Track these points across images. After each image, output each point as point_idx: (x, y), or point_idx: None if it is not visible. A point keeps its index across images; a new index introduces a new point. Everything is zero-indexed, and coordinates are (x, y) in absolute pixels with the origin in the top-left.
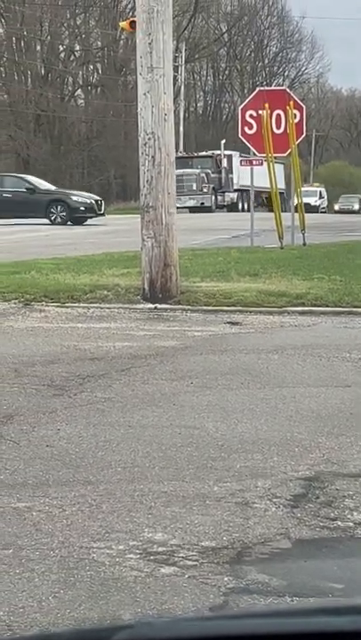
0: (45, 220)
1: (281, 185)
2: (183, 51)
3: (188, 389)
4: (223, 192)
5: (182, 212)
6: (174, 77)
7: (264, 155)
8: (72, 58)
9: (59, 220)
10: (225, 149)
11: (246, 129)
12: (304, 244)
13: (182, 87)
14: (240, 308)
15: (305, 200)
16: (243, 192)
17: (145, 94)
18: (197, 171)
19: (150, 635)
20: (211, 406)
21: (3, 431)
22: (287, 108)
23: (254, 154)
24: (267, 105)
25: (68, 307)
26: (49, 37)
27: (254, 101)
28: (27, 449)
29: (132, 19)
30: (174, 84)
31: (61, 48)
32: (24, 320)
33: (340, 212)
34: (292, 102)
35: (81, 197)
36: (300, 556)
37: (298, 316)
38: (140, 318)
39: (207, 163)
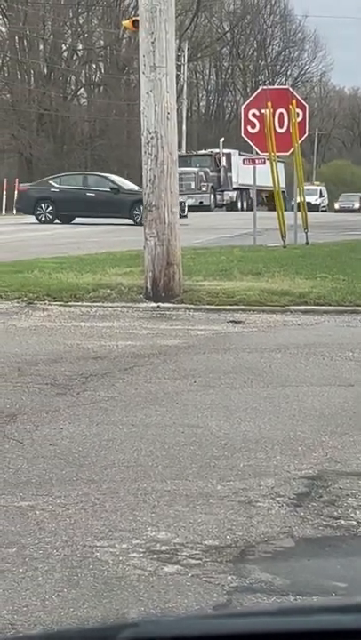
0: (129, 221)
1: (282, 184)
2: (186, 50)
3: (192, 388)
4: (222, 191)
5: None
6: (177, 76)
7: (267, 154)
8: (75, 57)
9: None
10: (224, 148)
11: (249, 128)
12: (307, 243)
13: (185, 86)
14: (243, 306)
15: (309, 199)
16: (242, 191)
17: (148, 93)
18: (196, 169)
19: (155, 633)
20: (214, 405)
21: (6, 430)
22: (290, 106)
23: (257, 153)
24: (269, 104)
25: (70, 306)
26: (52, 36)
27: (257, 100)
28: (30, 448)
29: (134, 18)
30: (177, 83)
31: (64, 47)
32: (27, 319)
33: (341, 210)
34: (294, 101)
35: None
36: (303, 554)
37: (301, 314)
38: (142, 317)
39: (206, 161)
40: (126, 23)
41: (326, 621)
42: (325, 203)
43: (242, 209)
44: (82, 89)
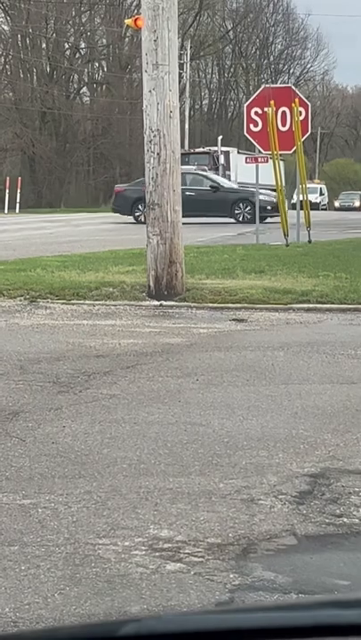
0: (231, 220)
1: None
2: (188, 48)
3: (194, 386)
4: None
5: None
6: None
7: (269, 152)
8: (77, 55)
9: (246, 218)
10: (222, 145)
11: (252, 126)
12: (309, 242)
13: (187, 85)
14: (246, 305)
15: (307, 197)
16: None
17: (150, 91)
18: (193, 167)
19: (158, 628)
20: (216, 403)
21: (8, 428)
22: (292, 105)
23: (260, 151)
24: (272, 102)
25: (73, 304)
26: (54, 35)
27: (259, 99)
28: (32, 446)
29: (137, 16)
30: (179, 82)
31: (67, 45)
32: (30, 317)
33: (341, 208)
34: (297, 100)
35: (267, 196)
36: (305, 552)
37: (303, 313)
38: (145, 315)
39: (204, 159)
40: (129, 22)
41: (332, 616)
42: (326, 201)
43: None
44: (84, 87)
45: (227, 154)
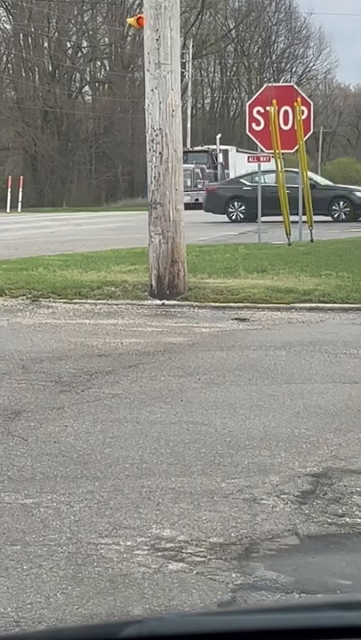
0: (328, 218)
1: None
2: (190, 47)
3: (196, 386)
4: None
5: None
6: (181, 74)
7: (272, 151)
8: (79, 54)
9: (342, 216)
10: (221, 144)
11: (254, 125)
12: (311, 241)
13: (190, 84)
14: (248, 304)
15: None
16: None
17: (152, 90)
18: (192, 166)
19: (159, 630)
20: (218, 402)
21: (10, 427)
22: (295, 104)
23: (262, 150)
24: (274, 101)
25: (75, 303)
26: (56, 34)
27: (262, 98)
28: (34, 445)
29: (139, 15)
30: (182, 81)
31: (69, 44)
32: (32, 316)
33: None
34: (299, 99)
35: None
36: (308, 552)
37: (306, 312)
38: (147, 314)
39: (202, 158)
40: (131, 20)
41: (331, 618)
42: None
43: None
44: (86, 86)
45: (225, 152)
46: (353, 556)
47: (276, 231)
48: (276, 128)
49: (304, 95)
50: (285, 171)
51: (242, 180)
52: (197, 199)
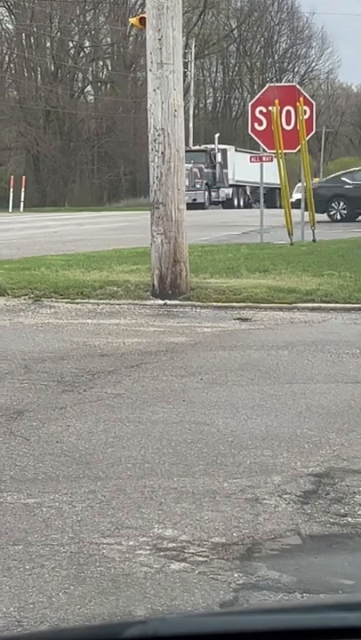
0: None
1: (278, 180)
2: (193, 47)
3: (198, 385)
4: (217, 188)
5: None
6: (184, 74)
7: (274, 151)
8: (82, 54)
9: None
10: (219, 143)
11: (256, 125)
12: (314, 241)
13: (192, 83)
14: (250, 304)
15: (303, 196)
16: (238, 188)
17: (155, 90)
18: (190, 166)
19: (162, 631)
20: (220, 402)
21: (13, 427)
22: (297, 104)
23: (264, 150)
24: (277, 101)
25: (77, 303)
26: (59, 34)
27: (264, 98)
28: (37, 445)
29: (141, 15)
30: (184, 81)
31: (71, 44)
32: (34, 316)
33: None
34: (301, 98)
35: None
36: (310, 552)
37: (308, 312)
38: (149, 314)
39: (200, 157)
40: (133, 20)
41: (333, 619)
42: None
43: (238, 206)
44: (89, 86)
45: (224, 152)
46: (355, 556)
47: (279, 231)
48: (278, 128)
49: (306, 95)
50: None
51: (343, 178)
52: (195, 199)
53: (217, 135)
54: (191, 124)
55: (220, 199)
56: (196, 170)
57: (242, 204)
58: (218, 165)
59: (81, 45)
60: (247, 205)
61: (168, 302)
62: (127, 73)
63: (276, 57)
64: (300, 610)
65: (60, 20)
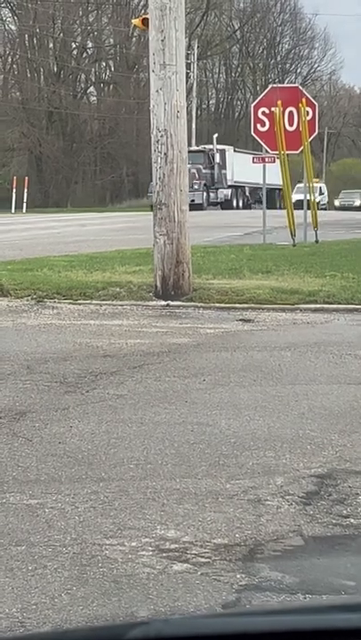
0: None
1: (278, 182)
2: (195, 48)
3: (201, 386)
4: (216, 189)
5: None
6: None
7: (276, 152)
8: (84, 55)
9: None
10: (218, 144)
11: (259, 126)
12: (316, 242)
13: (195, 84)
14: (252, 305)
15: (303, 197)
16: (237, 188)
17: (157, 91)
18: (188, 166)
19: (165, 632)
20: (223, 403)
21: (15, 428)
22: (299, 105)
23: (267, 151)
24: (279, 102)
25: (80, 304)
26: (61, 35)
27: (267, 99)
28: (39, 446)
29: (144, 16)
30: (186, 82)
31: (74, 45)
32: (37, 317)
33: (341, 208)
34: (304, 99)
35: None
36: (312, 553)
37: (310, 313)
38: (152, 315)
39: (199, 158)
40: (136, 21)
41: (335, 620)
42: (325, 200)
43: (237, 207)
44: (91, 87)
45: (222, 152)
46: (358, 558)
47: (281, 232)
48: (281, 129)
49: (309, 96)
50: None
51: None
52: (193, 200)
53: (215, 135)
54: (194, 125)
55: (219, 200)
56: (194, 170)
57: (241, 204)
58: (216, 166)
59: (84, 46)
60: (246, 206)
61: (171, 303)
62: (130, 74)
63: (278, 58)
64: (303, 611)
65: (62, 21)
